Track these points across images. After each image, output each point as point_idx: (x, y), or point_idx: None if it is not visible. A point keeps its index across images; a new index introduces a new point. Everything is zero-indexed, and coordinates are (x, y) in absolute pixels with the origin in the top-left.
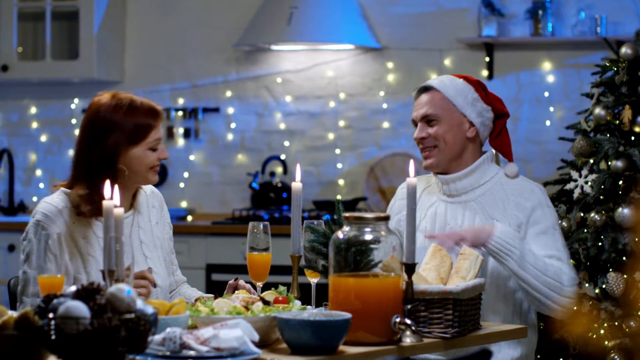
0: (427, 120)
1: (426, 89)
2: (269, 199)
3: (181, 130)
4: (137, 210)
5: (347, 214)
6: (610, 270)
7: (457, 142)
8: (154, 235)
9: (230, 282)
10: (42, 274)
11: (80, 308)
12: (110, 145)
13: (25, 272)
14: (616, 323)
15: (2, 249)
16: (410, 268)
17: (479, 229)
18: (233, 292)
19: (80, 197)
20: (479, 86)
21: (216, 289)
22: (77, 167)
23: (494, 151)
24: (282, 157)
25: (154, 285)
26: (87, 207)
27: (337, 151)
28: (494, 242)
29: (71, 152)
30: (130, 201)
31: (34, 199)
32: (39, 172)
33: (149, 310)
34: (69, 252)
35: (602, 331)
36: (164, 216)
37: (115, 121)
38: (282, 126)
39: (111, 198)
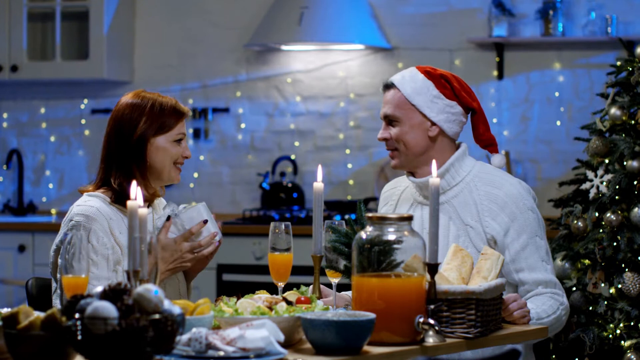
0: (389, 120)
1: (389, 86)
2: (280, 199)
3: (191, 131)
4: (154, 209)
5: (370, 214)
6: (627, 270)
7: (418, 143)
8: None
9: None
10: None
11: (108, 308)
12: (138, 133)
13: (96, 274)
14: (632, 323)
15: (12, 249)
16: (433, 268)
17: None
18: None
19: (117, 189)
20: (442, 80)
21: (228, 290)
22: (107, 164)
23: (465, 145)
24: (292, 157)
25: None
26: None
27: (347, 151)
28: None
29: (81, 153)
30: (149, 200)
31: (44, 199)
32: (48, 173)
33: (176, 310)
34: (111, 245)
35: (618, 331)
36: None
37: (142, 112)
38: (292, 126)
39: (135, 198)
